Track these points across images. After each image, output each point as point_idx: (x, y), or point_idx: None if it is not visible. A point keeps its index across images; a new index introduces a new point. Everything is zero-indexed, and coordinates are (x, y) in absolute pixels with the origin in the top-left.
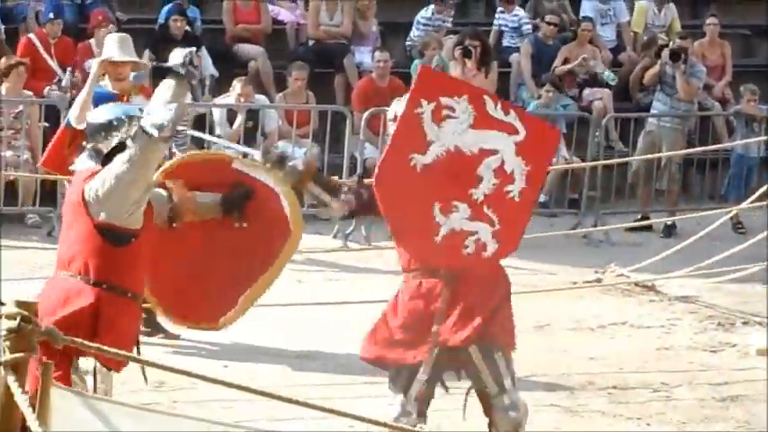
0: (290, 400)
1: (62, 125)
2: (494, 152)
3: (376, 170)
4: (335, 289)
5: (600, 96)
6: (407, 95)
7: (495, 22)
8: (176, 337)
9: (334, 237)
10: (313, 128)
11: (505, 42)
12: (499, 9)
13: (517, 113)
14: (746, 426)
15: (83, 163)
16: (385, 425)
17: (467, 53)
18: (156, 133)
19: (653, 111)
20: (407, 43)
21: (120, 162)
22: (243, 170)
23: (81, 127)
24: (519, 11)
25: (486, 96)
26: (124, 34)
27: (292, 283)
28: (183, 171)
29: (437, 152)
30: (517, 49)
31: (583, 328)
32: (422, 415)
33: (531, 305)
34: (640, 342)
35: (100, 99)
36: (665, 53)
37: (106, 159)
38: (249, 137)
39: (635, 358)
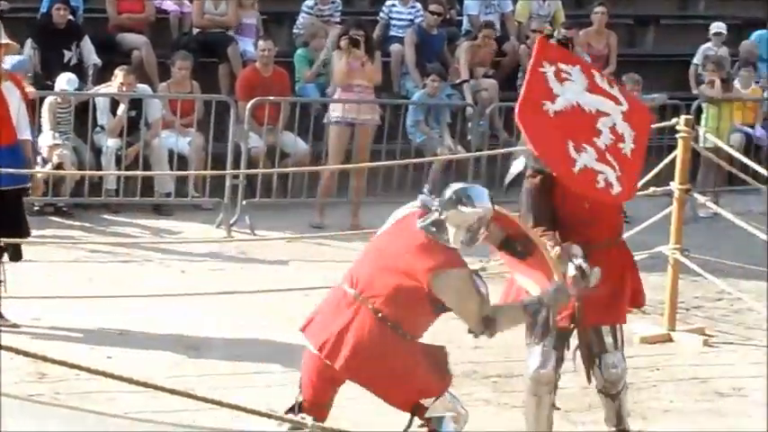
0: (172, 391)
1: None
2: (607, 114)
3: (516, 108)
4: (219, 279)
5: (485, 87)
6: (531, 61)
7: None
8: (15, 326)
9: (218, 226)
10: (197, 117)
11: (392, 32)
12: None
13: (619, 88)
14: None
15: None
16: (269, 416)
17: (355, 43)
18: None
19: None
20: (294, 32)
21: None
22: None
23: None
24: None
25: (593, 69)
26: None
27: (176, 273)
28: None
29: (563, 104)
30: (399, 40)
31: None
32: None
33: None
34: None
35: None
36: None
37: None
38: (132, 126)
39: (520, 346)
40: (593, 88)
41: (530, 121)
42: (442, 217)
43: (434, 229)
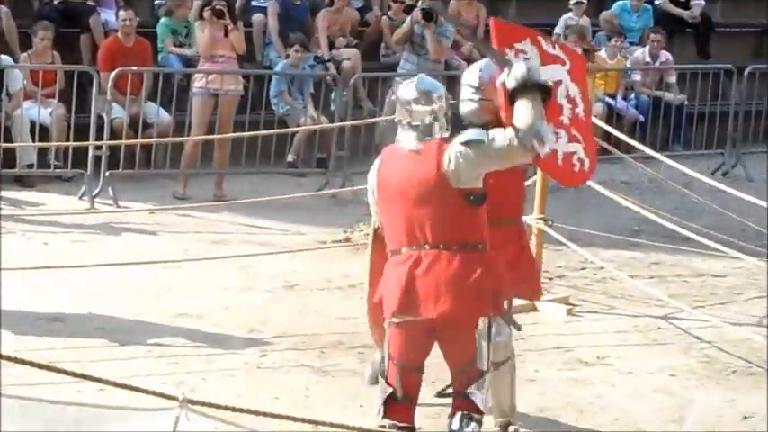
0: (39, 366)
1: None
2: (560, 82)
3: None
4: (82, 251)
5: (348, 56)
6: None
7: None
8: None
9: (81, 198)
10: (59, 88)
11: (253, 2)
12: None
13: (559, 45)
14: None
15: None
16: (135, 389)
17: (219, 14)
18: (541, 151)
19: (400, 70)
20: (156, 2)
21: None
22: None
23: None
24: None
25: (539, 36)
26: None
27: (38, 245)
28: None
29: None
30: (261, 9)
31: (332, 287)
32: None
33: (280, 265)
34: None
35: None
36: (416, 13)
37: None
38: None
39: None
40: (544, 59)
41: None
42: (418, 122)
43: (426, 136)
